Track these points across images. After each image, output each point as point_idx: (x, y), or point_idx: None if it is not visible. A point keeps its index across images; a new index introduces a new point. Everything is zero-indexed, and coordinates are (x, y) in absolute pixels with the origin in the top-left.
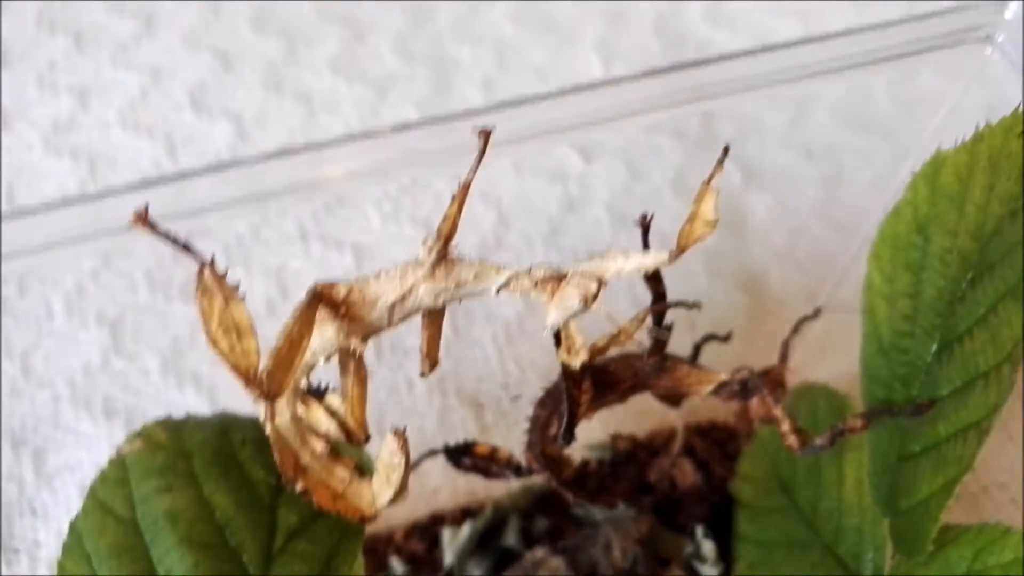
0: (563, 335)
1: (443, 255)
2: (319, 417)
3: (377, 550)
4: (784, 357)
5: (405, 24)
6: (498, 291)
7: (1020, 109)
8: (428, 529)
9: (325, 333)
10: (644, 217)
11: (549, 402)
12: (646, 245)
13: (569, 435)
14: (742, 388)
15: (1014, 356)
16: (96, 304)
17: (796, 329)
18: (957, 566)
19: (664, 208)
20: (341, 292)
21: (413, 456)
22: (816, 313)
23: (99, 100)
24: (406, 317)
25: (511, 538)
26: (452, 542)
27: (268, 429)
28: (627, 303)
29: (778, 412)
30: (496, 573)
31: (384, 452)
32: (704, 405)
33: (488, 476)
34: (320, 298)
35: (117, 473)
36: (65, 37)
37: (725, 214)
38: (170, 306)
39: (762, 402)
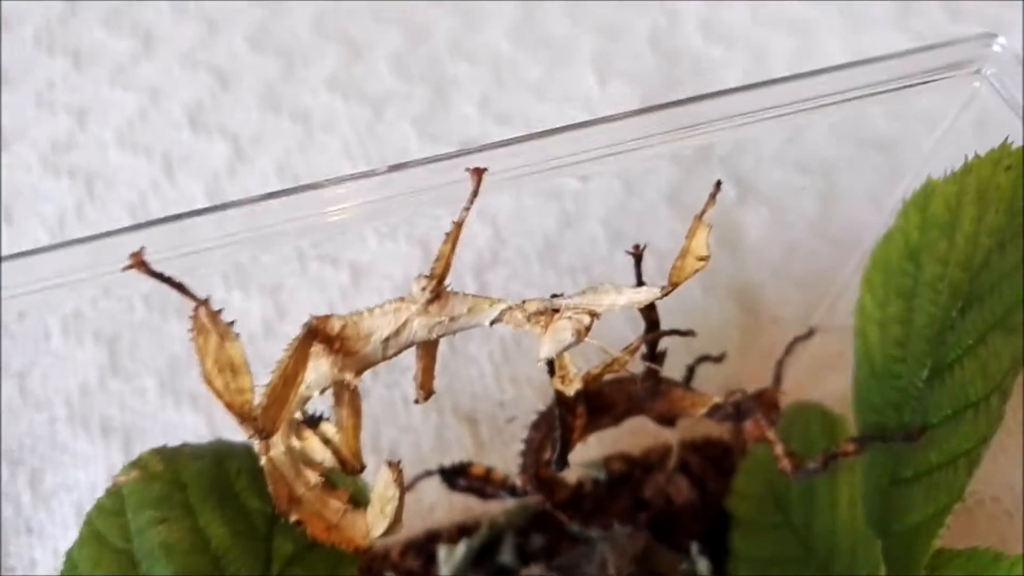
0: (557, 365)
1: (437, 295)
2: (314, 446)
3: (373, 568)
4: (778, 378)
5: (402, 42)
6: (492, 324)
7: (1008, 142)
8: (424, 546)
9: (320, 367)
10: (637, 247)
11: (543, 425)
12: (639, 274)
13: (562, 462)
14: (736, 410)
15: (1003, 387)
16: (93, 323)
17: (789, 350)
18: None
19: (660, 224)
20: (336, 326)
21: (409, 476)
22: (810, 333)
23: (97, 120)
24: (400, 350)
25: (507, 556)
26: (448, 560)
27: (263, 461)
28: (623, 321)
29: (772, 435)
30: None
31: (379, 484)
32: (699, 421)
33: (483, 497)
34: (315, 333)
35: (113, 504)
36: (64, 57)
37: (721, 229)
38: (167, 325)
39: (756, 424)
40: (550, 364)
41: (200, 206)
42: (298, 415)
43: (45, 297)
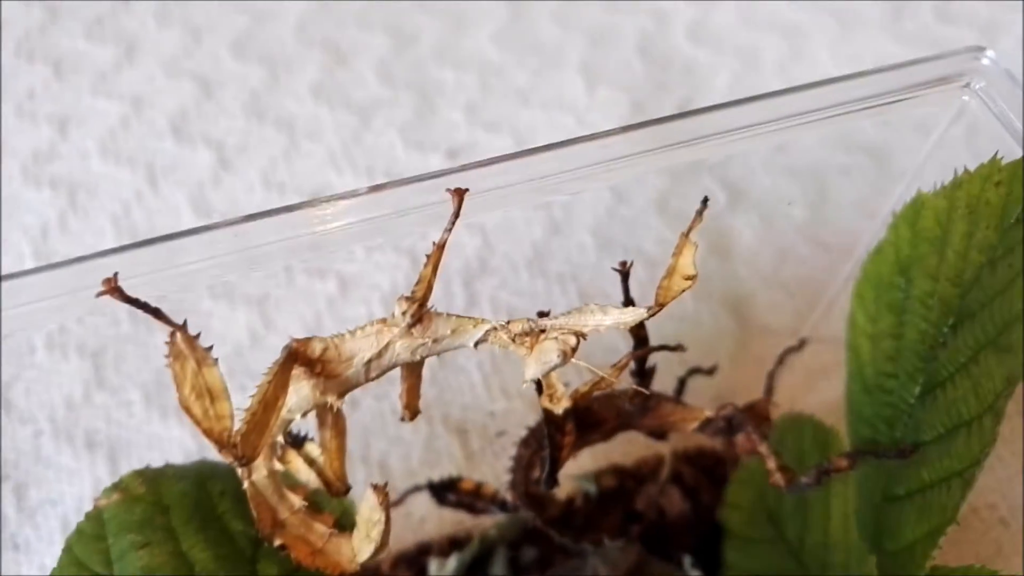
0: (544, 384)
1: (418, 318)
2: (298, 467)
3: None
4: (769, 390)
5: (388, 48)
6: (476, 345)
7: (998, 157)
8: (415, 559)
9: (301, 390)
10: (624, 263)
11: (532, 442)
12: (626, 291)
13: (551, 480)
14: (727, 424)
15: (996, 408)
16: (78, 337)
17: (781, 360)
18: None
19: (649, 230)
20: (317, 349)
21: (399, 489)
22: (801, 344)
23: (79, 129)
24: (384, 372)
25: (498, 568)
26: (439, 573)
27: (245, 485)
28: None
29: (763, 449)
30: None
31: (364, 507)
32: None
33: (473, 512)
34: (295, 356)
35: (93, 528)
36: (44, 65)
37: (712, 236)
38: (152, 338)
39: (747, 438)
40: (538, 383)
41: (185, 215)
42: (280, 438)
43: (29, 318)
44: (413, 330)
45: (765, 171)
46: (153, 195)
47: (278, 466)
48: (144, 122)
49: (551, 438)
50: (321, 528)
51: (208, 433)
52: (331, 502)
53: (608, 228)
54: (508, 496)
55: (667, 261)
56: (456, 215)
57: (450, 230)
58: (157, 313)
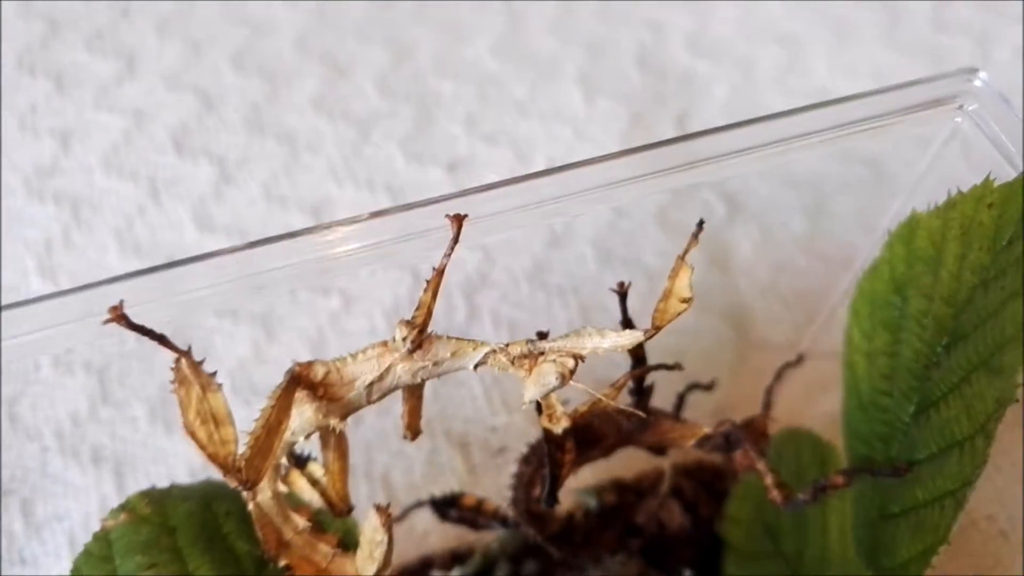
0: (544, 404)
1: (418, 344)
2: (301, 488)
3: None
4: (767, 405)
5: (387, 61)
6: (476, 367)
7: (991, 178)
8: (418, 573)
9: (304, 413)
10: (621, 284)
11: (533, 459)
12: (624, 310)
13: (552, 499)
14: (725, 441)
15: (987, 429)
16: (83, 353)
17: (779, 376)
18: None
19: (649, 242)
20: (319, 373)
21: (401, 504)
22: (799, 360)
23: (81, 143)
24: (385, 395)
25: None
26: None
27: (250, 507)
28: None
29: (761, 465)
30: None
31: (367, 528)
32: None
33: (475, 528)
34: (298, 380)
35: (101, 549)
36: (46, 79)
37: (711, 248)
38: (157, 353)
39: (745, 455)
40: (537, 403)
41: (187, 229)
42: (284, 459)
43: (34, 345)
44: (414, 354)
45: (764, 183)
46: (156, 209)
47: (282, 487)
48: (146, 136)
49: (551, 457)
50: (325, 548)
51: (213, 458)
52: (334, 522)
53: (608, 241)
54: (509, 512)
55: (667, 273)
56: (455, 240)
57: (449, 255)
58: (163, 340)
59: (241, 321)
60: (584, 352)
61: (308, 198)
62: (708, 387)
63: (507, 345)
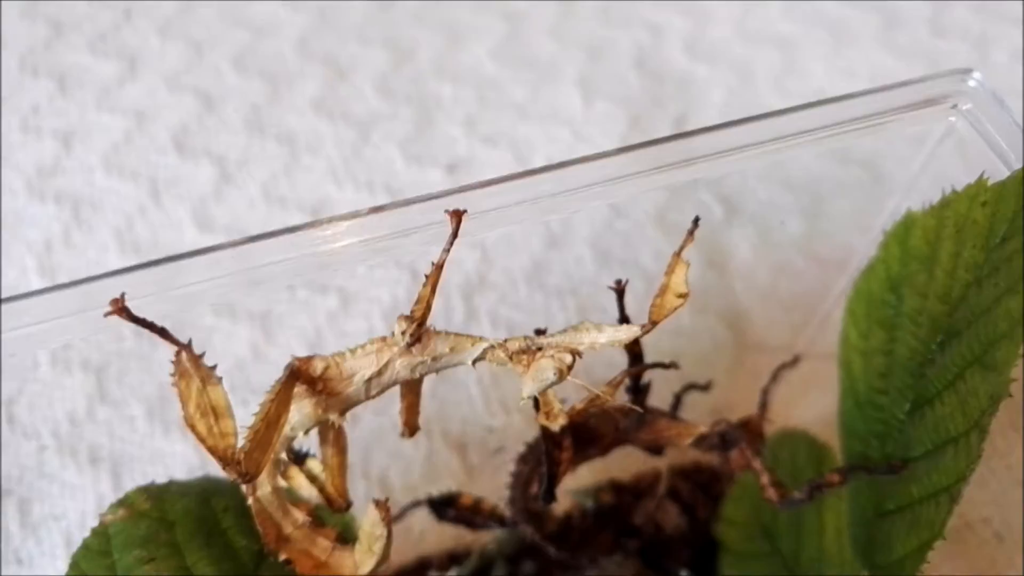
0: (541, 401)
1: (417, 338)
2: (300, 484)
3: None
4: (763, 406)
5: (387, 63)
6: (474, 363)
7: (984, 177)
8: (415, 574)
9: (303, 408)
10: (619, 282)
11: (531, 458)
12: (622, 308)
13: (549, 496)
14: (722, 440)
15: (982, 425)
16: (81, 353)
17: (775, 377)
18: None
19: (647, 243)
20: (318, 368)
21: (399, 504)
22: (795, 360)
23: (83, 143)
24: (384, 390)
25: None
26: None
27: (250, 501)
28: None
29: (757, 465)
30: None
31: (366, 522)
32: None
33: (472, 528)
34: (297, 375)
35: (99, 543)
36: (49, 80)
37: (708, 250)
38: (156, 352)
39: (741, 454)
40: (535, 400)
41: (187, 229)
42: (283, 455)
43: (34, 338)
44: (412, 349)
45: (761, 185)
46: (156, 209)
47: (281, 482)
48: (147, 136)
49: (548, 454)
50: (324, 542)
51: (212, 450)
52: (332, 518)
53: (606, 241)
54: (507, 512)
55: (664, 274)
56: (454, 236)
57: (448, 250)
58: (163, 333)
59: (239, 320)
60: (582, 348)
61: (308, 199)
62: (704, 387)
63: (505, 341)
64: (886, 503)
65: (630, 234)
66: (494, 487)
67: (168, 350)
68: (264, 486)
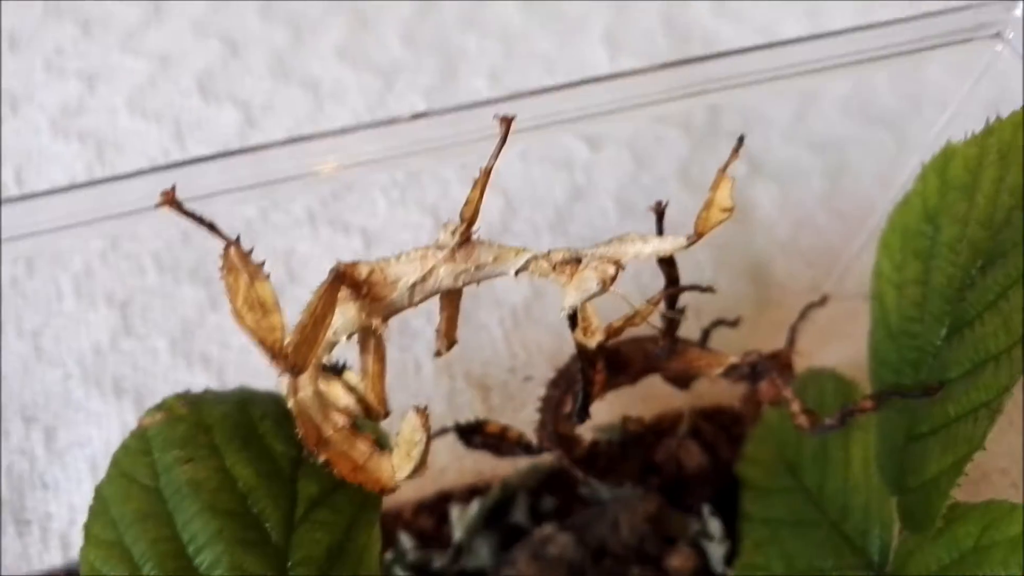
0: (579, 316)
1: (466, 238)
2: (338, 393)
3: (386, 526)
4: (791, 341)
5: (412, 13)
6: (517, 273)
7: None
8: (436, 506)
9: (347, 312)
10: (659, 203)
11: (562, 383)
12: (660, 230)
13: (584, 413)
14: (751, 370)
15: None
16: (105, 286)
17: (803, 315)
18: (964, 542)
19: (671, 198)
20: (363, 272)
21: None
22: (823, 300)
23: (107, 85)
24: (426, 297)
25: (519, 515)
26: (461, 519)
27: (291, 403)
28: (632, 288)
29: (788, 393)
30: (504, 549)
31: (405, 428)
32: (710, 390)
33: (498, 454)
34: (343, 278)
35: (139, 444)
36: (73, 23)
37: None
38: (179, 288)
39: (771, 384)
40: (572, 317)
41: (210, 174)
42: (324, 360)
43: (52, 242)
44: (457, 255)
45: (784, 142)
46: (180, 152)
47: (322, 386)
48: (171, 80)
49: (584, 372)
50: (363, 446)
51: (261, 343)
52: (368, 426)
53: (629, 194)
54: (534, 438)
55: (687, 229)
56: (502, 141)
57: (496, 156)
58: (212, 227)
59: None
60: (625, 259)
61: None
62: (733, 323)
63: (548, 252)
64: (919, 427)
65: (653, 188)
66: (516, 426)
67: (190, 286)
68: (306, 388)
